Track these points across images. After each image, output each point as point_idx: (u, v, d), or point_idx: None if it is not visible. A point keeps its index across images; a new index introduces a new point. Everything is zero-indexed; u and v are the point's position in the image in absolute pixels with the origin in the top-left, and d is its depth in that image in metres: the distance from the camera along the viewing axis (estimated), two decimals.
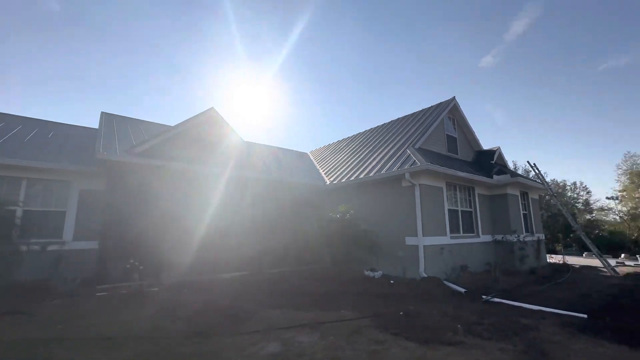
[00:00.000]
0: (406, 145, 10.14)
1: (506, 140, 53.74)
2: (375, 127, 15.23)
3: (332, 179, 11.51)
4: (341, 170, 11.86)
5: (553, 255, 14.93)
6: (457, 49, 41.86)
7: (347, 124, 64.12)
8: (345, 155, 13.59)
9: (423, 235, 8.27)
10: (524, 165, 31.41)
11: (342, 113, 61.52)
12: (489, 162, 12.11)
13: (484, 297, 6.54)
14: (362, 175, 9.92)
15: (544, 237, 12.63)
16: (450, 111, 12.18)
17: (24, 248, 7.46)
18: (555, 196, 12.03)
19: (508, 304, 6.12)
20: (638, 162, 28.11)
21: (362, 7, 31.38)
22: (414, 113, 13.57)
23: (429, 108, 12.96)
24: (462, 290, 6.78)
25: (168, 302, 5.74)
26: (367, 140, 14.02)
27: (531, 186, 11.73)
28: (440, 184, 9.18)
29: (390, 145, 11.21)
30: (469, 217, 10.30)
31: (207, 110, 9.62)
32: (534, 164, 12.27)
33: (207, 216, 8.89)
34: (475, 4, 31.26)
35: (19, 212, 7.93)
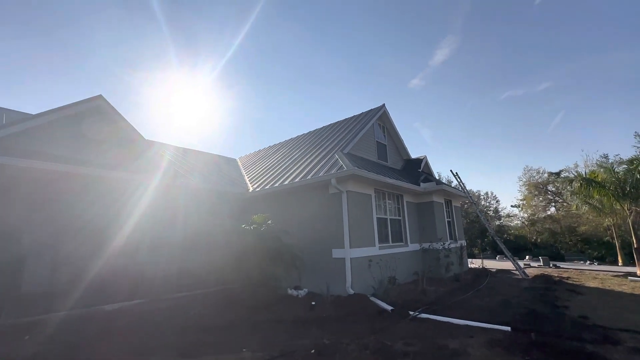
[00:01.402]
0: (335, 150, 9.48)
1: (432, 155, 58.74)
2: (307, 133, 14.53)
3: (255, 186, 10.28)
4: (267, 176, 10.71)
5: (473, 260, 15.79)
6: (390, 68, 44.61)
7: (285, 133, 63.37)
8: (272, 161, 12.50)
9: (350, 247, 7.54)
10: (447, 176, 34.10)
11: (277, 122, 60.60)
12: (416, 170, 12.20)
13: (411, 313, 5.97)
14: (286, 182, 8.92)
15: (465, 243, 13.12)
16: (380, 118, 12.03)
17: None
18: (475, 204, 12.65)
19: (435, 320, 5.61)
20: (534, 175, 32.59)
21: (301, 14, 31.25)
22: (345, 119, 13.20)
23: (360, 115, 12.69)
24: (389, 308, 6.12)
25: None
26: (296, 145, 13.17)
27: (454, 194, 12.08)
28: (369, 191, 8.65)
29: (319, 151, 10.48)
30: (397, 225, 10.00)
31: (93, 97, 7.67)
32: (456, 172, 12.80)
33: (80, 231, 6.91)
34: (405, 29, 33.68)
35: None
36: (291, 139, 15.09)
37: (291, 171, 9.80)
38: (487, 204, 38.16)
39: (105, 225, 7.45)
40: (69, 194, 7.15)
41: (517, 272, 11.26)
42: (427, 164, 13.11)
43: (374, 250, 8.28)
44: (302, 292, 7.80)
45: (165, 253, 8.22)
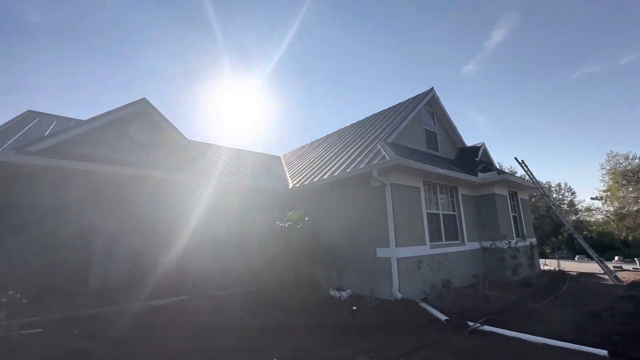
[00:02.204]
0: (377, 141, 8.72)
1: (491, 145, 53.69)
2: (349, 125, 13.87)
3: (295, 182, 9.97)
4: (307, 172, 10.34)
5: (546, 261, 13.72)
6: (440, 55, 41.63)
7: (332, 128, 63.10)
8: (313, 157, 12.11)
9: (396, 246, 6.78)
10: (509, 167, 30.66)
11: (324, 117, 60.40)
12: (473, 159, 10.84)
13: (470, 324, 5.06)
14: (325, 176, 8.42)
15: (536, 242, 11.36)
16: (428, 104, 10.91)
17: None
18: (547, 195, 10.84)
19: (502, 335, 4.66)
20: (621, 161, 27.69)
21: (348, 7, 30.45)
22: (390, 107, 12.26)
23: (405, 101, 11.67)
24: (443, 317, 5.28)
25: (33, 355, 4.02)
26: (338, 139, 12.60)
27: (520, 185, 10.47)
28: (417, 184, 7.76)
29: (361, 142, 9.79)
30: (452, 221, 8.90)
31: (138, 101, 7.98)
32: (522, 160, 11.10)
33: (132, 229, 7.19)
34: (457, 13, 30.88)
35: None
36: (333, 133, 14.57)
37: (331, 165, 9.28)
38: (560, 196, 33.58)
39: (154, 225, 7.71)
40: (121, 195, 7.50)
41: (605, 277, 9.36)
42: (485, 151, 11.60)
43: (425, 250, 7.39)
44: (344, 294, 7.26)
45: (208, 251, 8.29)
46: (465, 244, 8.84)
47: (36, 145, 6.53)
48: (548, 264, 12.65)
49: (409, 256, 6.90)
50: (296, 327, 5.05)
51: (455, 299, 6.51)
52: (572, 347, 4.11)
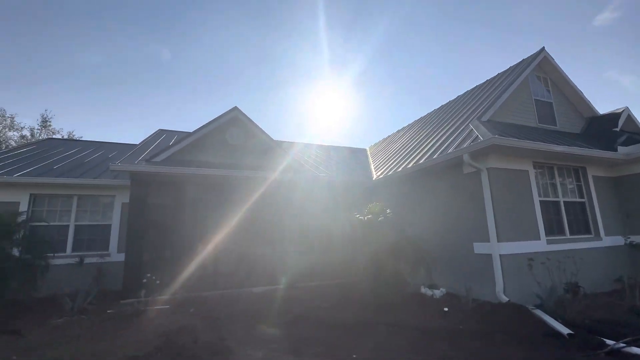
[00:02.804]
0: (470, 120, 7.60)
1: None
2: (438, 108, 12.54)
3: (379, 173, 9.59)
4: (391, 162, 9.82)
5: None
6: (559, 12, 33.91)
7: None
8: (397, 146, 11.42)
9: (499, 241, 5.78)
10: None
11: (416, 104, 56.64)
12: (610, 130, 8.40)
13: (609, 342, 3.90)
14: (409, 165, 7.80)
15: None
16: (539, 68, 8.93)
17: (65, 261, 7.94)
18: None
19: None
20: None
21: None
22: (487, 81, 10.55)
23: (506, 70, 9.85)
24: (565, 330, 4.20)
25: (157, 327, 4.93)
26: (426, 124, 11.55)
27: None
28: (523, 167, 6.44)
29: (451, 124, 8.71)
30: (580, 210, 7.10)
31: (230, 110, 8.95)
32: None
33: (231, 225, 8.12)
34: None
35: (70, 227, 8.55)
36: (419, 119, 13.45)
37: (416, 153, 8.56)
38: None
39: (251, 220, 8.55)
40: (222, 194, 8.56)
41: None
42: (630, 119, 8.85)
43: (539, 245, 6.08)
44: (438, 292, 6.61)
45: (298, 245, 8.73)
46: (601, 239, 6.94)
47: (160, 157, 8.01)
48: None
49: (517, 253, 5.78)
50: (377, 325, 4.81)
51: (586, 309, 5.13)
52: None
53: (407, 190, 8.25)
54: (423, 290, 6.84)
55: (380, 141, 16.60)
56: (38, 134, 26.79)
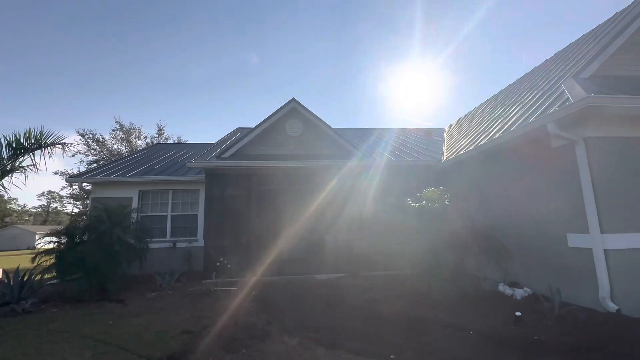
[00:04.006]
0: (564, 80, 6.01)
1: None
2: (529, 72, 10.36)
3: (449, 154, 8.52)
4: (464, 140, 8.60)
5: None
6: None
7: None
8: (473, 123, 9.92)
9: (602, 232, 4.46)
10: None
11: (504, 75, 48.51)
12: None
13: None
14: (483, 142, 6.68)
15: None
16: None
17: (163, 245, 9.44)
18: None
19: None
20: None
21: None
22: (591, 31, 8.17)
23: (615, 15, 7.44)
24: None
25: (216, 306, 5.45)
26: (508, 95, 9.69)
27: None
28: (638, 133, 4.78)
29: (540, 88, 7.07)
30: None
31: (288, 102, 9.17)
32: None
33: (297, 213, 8.39)
34: None
35: (168, 217, 10.16)
36: (504, 89, 11.38)
37: (492, 128, 7.26)
38: None
39: (316, 209, 8.69)
40: (287, 184, 8.90)
41: None
42: None
43: None
44: (520, 292, 5.54)
45: (360, 234, 8.50)
46: None
47: (228, 152, 8.77)
48: None
49: (631, 248, 4.37)
50: (431, 324, 4.28)
51: None
52: None
53: (480, 172, 7.10)
54: (501, 288, 5.83)
55: (458, 119, 14.78)
56: (156, 140, 32.69)
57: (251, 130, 9.10)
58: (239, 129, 14.52)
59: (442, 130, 15.13)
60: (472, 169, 7.32)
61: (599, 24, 8.08)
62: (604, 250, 4.41)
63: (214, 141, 13.60)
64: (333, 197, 8.66)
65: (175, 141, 32.76)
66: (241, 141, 8.89)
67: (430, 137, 13.15)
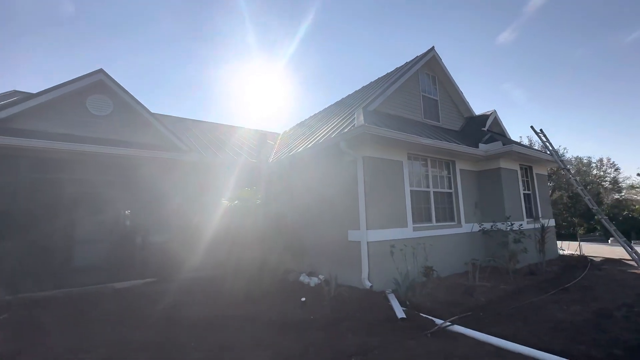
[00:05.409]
0: (358, 109, 7.63)
1: (529, 119, 49.22)
2: (346, 96, 12.64)
3: (274, 158, 9.19)
4: (286, 147, 9.50)
5: (570, 245, 12.16)
6: (472, 26, 37.90)
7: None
8: (300, 131, 11.19)
9: (368, 228, 5.90)
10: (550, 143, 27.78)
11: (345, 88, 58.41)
12: (479, 129, 9.43)
13: (438, 322, 4.19)
14: (292, 153, 7.59)
15: (554, 224, 9.92)
16: (428, 66, 9.49)
17: None
18: (567, 170, 9.25)
19: (471, 339, 3.76)
20: None
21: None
22: (386, 74, 10.90)
23: (404, 65, 10.28)
24: (400, 314, 4.40)
25: None
26: (329, 112, 11.51)
27: (535, 158, 8.98)
28: (398, 157, 6.69)
29: (346, 112, 8.72)
30: (447, 200, 7.79)
31: (95, 72, 7.42)
32: (541, 129, 9.48)
33: (89, 211, 6.83)
34: None
35: None
36: (328, 106, 13.43)
37: (308, 139, 8.35)
38: (602, 173, 30.27)
39: (116, 206, 7.33)
40: (67, 173, 7.12)
41: (635, 264, 7.93)
42: (496, 121, 10.11)
43: (405, 232, 6.43)
44: (314, 280, 6.55)
45: (172, 233, 7.84)
46: (462, 226, 7.74)
47: None
48: (569, 248, 11.16)
49: (383, 240, 5.99)
50: (229, 319, 4.43)
51: (434, 291, 5.58)
52: None
53: (293, 176, 8.04)
54: (301, 278, 6.73)
55: (294, 125, 16.26)
56: None
57: (31, 96, 6.78)
58: (16, 92, 10.60)
59: (277, 134, 16.22)
60: (288, 173, 8.17)
61: (388, 73, 10.77)
62: (367, 242, 5.84)
63: None
64: (145, 194, 7.61)
65: None
66: (10, 108, 6.46)
67: (264, 140, 13.77)
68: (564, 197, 25.73)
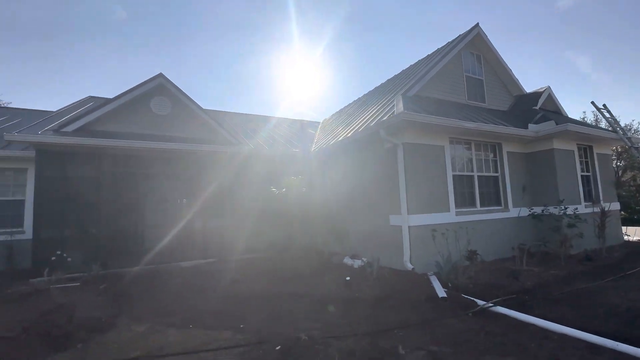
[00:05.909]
0: (397, 95, 7.64)
1: (594, 93, 43.91)
2: (387, 80, 12.49)
3: (315, 147, 9.55)
4: (329, 136, 9.79)
5: (633, 232, 11.03)
6: None
7: None
8: (340, 119, 11.38)
9: (409, 213, 6.05)
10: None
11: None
12: (530, 108, 8.87)
13: (480, 303, 4.31)
14: (332, 142, 7.84)
15: (618, 207, 9.11)
16: (472, 44, 9.06)
17: None
18: (637, 148, 8.35)
19: (514, 319, 3.85)
20: None
21: None
22: (427, 56, 10.58)
23: (445, 45, 9.90)
24: (442, 294, 4.57)
25: (44, 305, 4.74)
26: (369, 98, 11.52)
27: (596, 136, 8.27)
28: (440, 142, 6.66)
29: (386, 98, 8.73)
30: (493, 184, 7.59)
31: (155, 76, 8.30)
32: (604, 105, 8.63)
33: (157, 200, 7.81)
34: None
35: None
36: (368, 92, 13.38)
37: (349, 127, 8.55)
38: None
39: (177, 195, 8.26)
40: (145, 167, 8.12)
41: None
42: (550, 98, 9.39)
43: (447, 217, 6.46)
44: (358, 262, 6.90)
45: (233, 218, 8.63)
46: (509, 210, 7.51)
47: (72, 125, 7.34)
48: (631, 235, 10.15)
49: (424, 224, 6.10)
50: (280, 295, 4.96)
51: (477, 274, 5.61)
52: (599, 343, 3.15)
53: (336, 164, 8.34)
54: (345, 260, 7.12)
55: (335, 113, 16.46)
56: None
57: (107, 101, 7.85)
58: (91, 98, 12.14)
59: (318, 122, 16.56)
60: (330, 161, 8.50)
61: (428, 54, 10.45)
62: (409, 226, 6.01)
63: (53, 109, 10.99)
64: (202, 183, 8.45)
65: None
66: (91, 114, 7.57)
67: (304, 129, 14.20)
68: (638, 179, 22.93)
